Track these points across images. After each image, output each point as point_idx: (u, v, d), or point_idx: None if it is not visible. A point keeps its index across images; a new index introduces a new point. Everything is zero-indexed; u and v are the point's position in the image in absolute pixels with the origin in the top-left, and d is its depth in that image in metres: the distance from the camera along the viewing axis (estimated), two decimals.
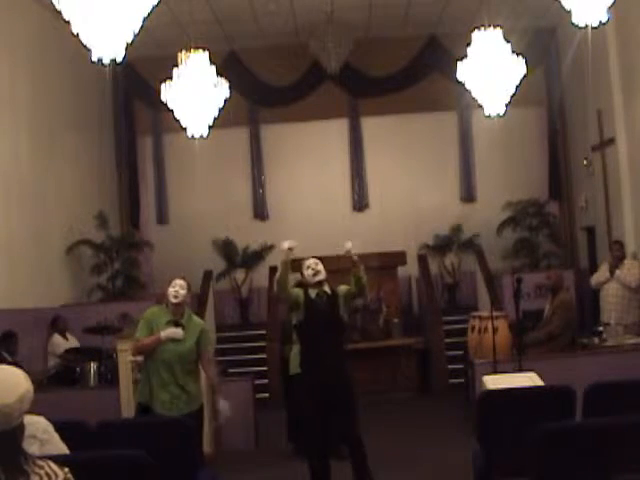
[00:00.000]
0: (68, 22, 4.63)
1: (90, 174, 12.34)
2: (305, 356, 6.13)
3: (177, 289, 5.77)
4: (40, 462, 2.51)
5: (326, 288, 6.04)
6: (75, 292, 11.31)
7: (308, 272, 6.04)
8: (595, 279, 9.56)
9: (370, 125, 13.78)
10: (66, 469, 2.53)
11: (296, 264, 11.69)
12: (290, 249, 6.20)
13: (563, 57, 12.75)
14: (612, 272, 9.24)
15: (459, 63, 8.54)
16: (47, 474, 2.47)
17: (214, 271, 12.87)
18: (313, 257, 6.20)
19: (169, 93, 8.72)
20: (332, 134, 13.79)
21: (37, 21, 10.36)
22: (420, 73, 13.29)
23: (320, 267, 6.03)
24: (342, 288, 6.09)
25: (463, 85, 8.74)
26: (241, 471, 7.31)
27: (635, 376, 5.72)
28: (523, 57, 8.52)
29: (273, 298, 12.16)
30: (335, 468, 6.04)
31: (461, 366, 9.66)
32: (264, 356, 11.20)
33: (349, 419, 5.93)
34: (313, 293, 6.02)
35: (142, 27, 4.74)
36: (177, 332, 5.65)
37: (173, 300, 5.75)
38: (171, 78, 8.69)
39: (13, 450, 2.47)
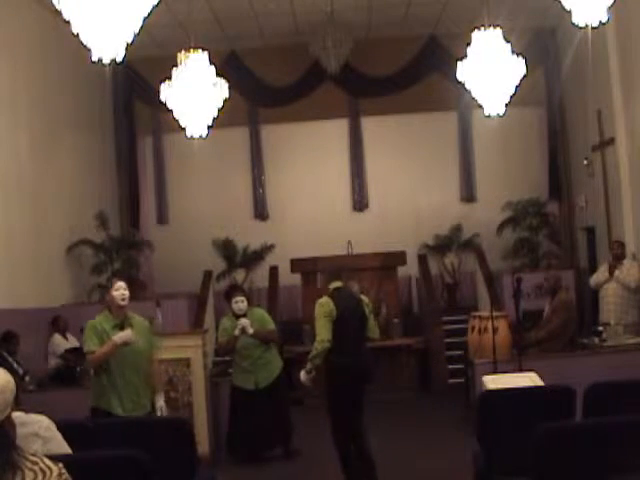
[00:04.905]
0: (68, 22, 4.62)
1: (90, 174, 12.33)
2: None
3: (122, 292, 5.71)
4: (34, 458, 2.49)
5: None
6: (75, 292, 11.31)
7: None
8: (594, 279, 9.56)
9: (370, 125, 13.78)
10: (60, 464, 2.52)
11: (297, 262, 11.73)
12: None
13: (563, 57, 12.75)
14: (611, 272, 9.25)
15: (459, 63, 8.53)
16: (42, 470, 2.46)
17: (214, 271, 12.86)
18: None
19: (169, 93, 8.71)
20: (332, 134, 13.79)
21: (37, 21, 10.36)
22: (420, 73, 13.28)
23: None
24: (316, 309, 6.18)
25: (463, 85, 8.73)
26: (240, 471, 7.31)
27: (635, 376, 5.72)
28: (523, 57, 8.51)
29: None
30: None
31: (461, 366, 9.65)
32: None
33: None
34: None
35: (142, 27, 4.73)
36: (128, 334, 5.61)
37: (121, 303, 5.70)
38: (171, 78, 8.68)
39: (5, 445, 2.46)
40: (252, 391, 7.58)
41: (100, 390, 5.72)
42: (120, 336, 5.58)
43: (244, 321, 7.46)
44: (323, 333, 6.05)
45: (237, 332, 7.44)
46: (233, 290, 7.97)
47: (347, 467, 6.20)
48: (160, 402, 5.79)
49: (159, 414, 5.75)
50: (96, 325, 5.72)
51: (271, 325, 7.73)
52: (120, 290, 5.72)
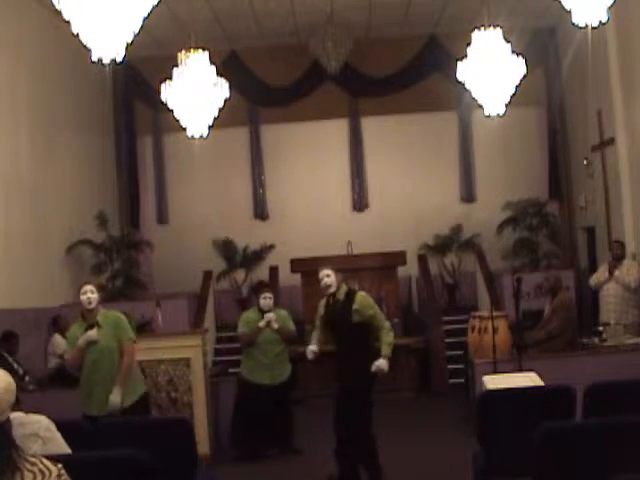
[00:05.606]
0: (68, 22, 4.62)
1: (90, 174, 12.34)
2: (335, 357, 6.48)
3: (88, 295, 5.90)
4: (33, 459, 2.49)
5: (340, 294, 6.36)
6: (75, 292, 11.25)
7: (321, 284, 6.40)
8: (594, 279, 9.56)
9: (370, 125, 13.78)
10: (59, 465, 2.51)
11: (297, 262, 11.70)
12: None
13: (563, 57, 12.76)
14: (611, 272, 9.25)
15: (459, 63, 8.54)
16: (40, 471, 2.46)
17: (214, 271, 12.87)
18: (325, 269, 6.43)
19: (169, 93, 8.72)
20: (332, 134, 13.79)
21: (37, 21, 10.36)
22: (420, 73, 13.29)
23: (330, 280, 6.34)
24: (360, 302, 6.31)
25: (463, 85, 8.74)
26: (240, 471, 7.31)
27: (635, 376, 5.72)
28: (523, 57, 8.52)
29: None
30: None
31: (461, 366, 9.65)
32: None
33: (357, 419, 6.23)
34: (331, 299, 6.45)
35: (142, 27, 4.73)
36: (90, 334, 5.82)
37: (88, 307, 5.90)
38: (171, 78, 8.69)
39: (6, 445, 2.46)
40: (264, 387, 7.63)
41: (81, 395, 5.95)
42: (82, 339, 5.83)
43: (271, 315, 7.65)
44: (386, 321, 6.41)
45: (262, 324, 7.61)
46: (262, 286, 8.21)
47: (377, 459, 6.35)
48: (112, 398, 5.78)
49: (109, 409, 5.75)
50: (69, 334, 6.05)
51: (292, 326, 7.91)
52: (87, 294, 5.90)
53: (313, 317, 8.25)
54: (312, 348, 6.44)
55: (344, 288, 6.40)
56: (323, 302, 6.57)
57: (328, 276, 6.34)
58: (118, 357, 5.88)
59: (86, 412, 5.83)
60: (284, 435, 7.77)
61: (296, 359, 9.88)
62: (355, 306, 6.27)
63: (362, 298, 6.34)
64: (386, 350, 6.27)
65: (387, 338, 6.30)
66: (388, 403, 9.83)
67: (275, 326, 7.63)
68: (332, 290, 6.35)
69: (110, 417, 5.60)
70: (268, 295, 7.75)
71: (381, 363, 6.24)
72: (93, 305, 5.88)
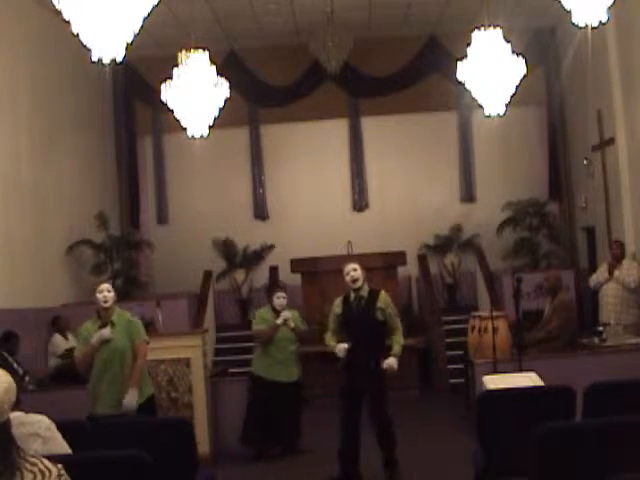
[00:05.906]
0: (68, 22, 4.63)
1: (90, 174, 12.34)
2: (348, 354, 6.43)
3: (105, 294, 5.91)
4: (33, 459, 2.49)
5: (364, 291, 6.41)
6: (75, 292, 11.31)
7: (347, 278, 6.40)
8: (594, 280, 9.56)
9: (370, 125, 13.78)
10: (59, 465, 2.51)
11: (297, 262, 11.69)
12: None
13: (563, 57, 12.76)
14: (611, 272, 9.25)
15: (459, 63, 8.54)
16: (41, 471, 2.45)
17: (214, 271, 12.87)
18: (351, 263, 6.45)
19: (169, 93, 8.72)
20: (332, 134, 13.80)
21: (37, 21, 10.36)
22: (420, 73, 13.29)
23: (358, 274, 6.37)
24: (384, 301, 6.43)
25: (463, 85, 8.74)
26: (240, 471, 7.31)
27: (635, 376, 5.73)
28: (523, 57, 8.52)
29: None
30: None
31: (461, 366, 9.65)
32: None
33: (379, 404, 6.49)
34: (352, 296, 6.46)
35: (142, 27, 4.73)
36: (104, 332, 5.82)
37: (104, 305, 5.91)
38: (171, 78, 8.69)
39: (6, 446, 2.46)
40: (279, 384, 7.65)
41: (89, 394, 5.92)
42: (96, 337, 5.83)
43: (287, 314, 7.72)
44: None
45: (280, 321, 7.67)
46: (275, 286, 8.21)
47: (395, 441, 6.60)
48: (127, 399, 5.75)
49: (123, 410, 5.73)
50: (82, 330, 6.04)
51: (305, 326, 8.02)
52: (103, 292, 5.91)
53: (313, 317, 8.27)
54: (343, 345, 6.37)
55: (366, 286, 6.43)
56: (338, 301, 6.54)
57: (355, 270, 6.36)
58: (130, 358, 5.86)
59: (94, 412, 5.80)
60: (289, 434, 7.76)
61: (304, 359, 9.93)
62: (379, 304, 6.37)
63: (385, 297, 6.45)
64: (397, 349, 6.35)
65: (400, 339, 6.41)
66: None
67: (292, 324, 7.70)
68: (358, 284, 6.36)
69: (122, 417, 5.58)
70: (282, 295, 7.81)
71: (392, 361, 6.31)
72: (109, 303, 5.88)
